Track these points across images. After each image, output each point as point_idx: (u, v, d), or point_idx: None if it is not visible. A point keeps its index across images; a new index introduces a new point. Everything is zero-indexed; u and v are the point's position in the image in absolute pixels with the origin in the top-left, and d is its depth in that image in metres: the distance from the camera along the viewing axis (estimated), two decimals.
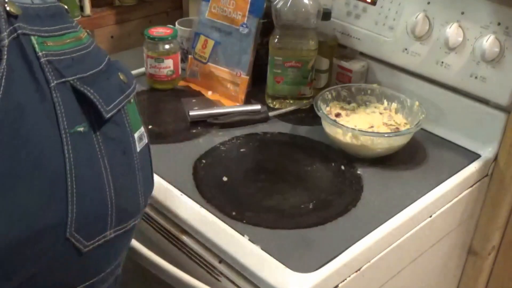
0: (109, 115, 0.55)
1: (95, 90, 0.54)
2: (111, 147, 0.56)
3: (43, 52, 0.51)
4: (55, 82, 0.51)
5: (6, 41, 0.49)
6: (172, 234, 0.84)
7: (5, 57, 0.48)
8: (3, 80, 0.48)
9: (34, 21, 0.52)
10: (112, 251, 0.59)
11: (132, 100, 0.60)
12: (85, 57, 0.56)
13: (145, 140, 0.62)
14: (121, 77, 0.59)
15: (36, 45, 0.51)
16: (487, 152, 0.99)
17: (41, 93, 0.50)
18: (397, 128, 0.99)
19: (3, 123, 0.47)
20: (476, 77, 0.97)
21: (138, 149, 0.60)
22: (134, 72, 1.23)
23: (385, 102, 1.06)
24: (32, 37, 0.51)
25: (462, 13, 0.97)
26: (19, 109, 0.48)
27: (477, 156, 0.99)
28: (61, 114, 0.51)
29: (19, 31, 0.50)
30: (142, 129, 0.61)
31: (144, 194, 0.62)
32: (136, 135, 0.59)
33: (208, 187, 0.88)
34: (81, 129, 0.53)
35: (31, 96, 0.50)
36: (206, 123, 1.05)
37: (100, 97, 0.55)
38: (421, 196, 0.88)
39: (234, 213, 0.83)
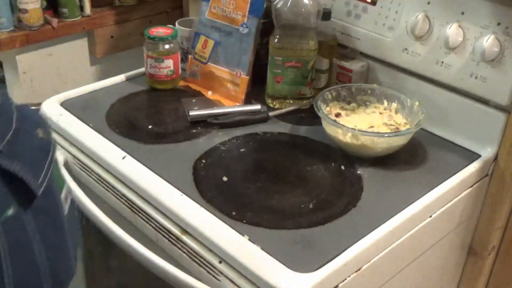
0: (41, 190, 0.48)
1: (21, 162, 0.47)
2: (41, 223, 0.50)
3: None
4: None
5: None
6: (172, 234, 0.84)
7: None
8: None
9: None
10: None
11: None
12: None
13: (70, 197, 0.55)
14: (40, 134, 0.51)
15: None
16: (487, 152, 0.99)
17: None
18: (397, 128, 0.99)
19: None
20: (476, 77, 0.97)
21: (65, 212, 0.54)
22: (134, 72, 1.23)
23: (385, 102, 1.06)
24: None
25: (462, 13, 0.97)
26: None
27: (477, 156, 0.99)
28: None
29: None
30: (65, 185, 0.55)
31: (74, 255, 0.57)
32: (62, 196, 0.53)
33: (208, 187, 0.88)
34: (11, 212, 0.46)
35: None
36: (206, 123, 1.05)
37: (29, 171, 0.47)
38: (421, 196, 0.88)
39: (234, 213, 0.83)
